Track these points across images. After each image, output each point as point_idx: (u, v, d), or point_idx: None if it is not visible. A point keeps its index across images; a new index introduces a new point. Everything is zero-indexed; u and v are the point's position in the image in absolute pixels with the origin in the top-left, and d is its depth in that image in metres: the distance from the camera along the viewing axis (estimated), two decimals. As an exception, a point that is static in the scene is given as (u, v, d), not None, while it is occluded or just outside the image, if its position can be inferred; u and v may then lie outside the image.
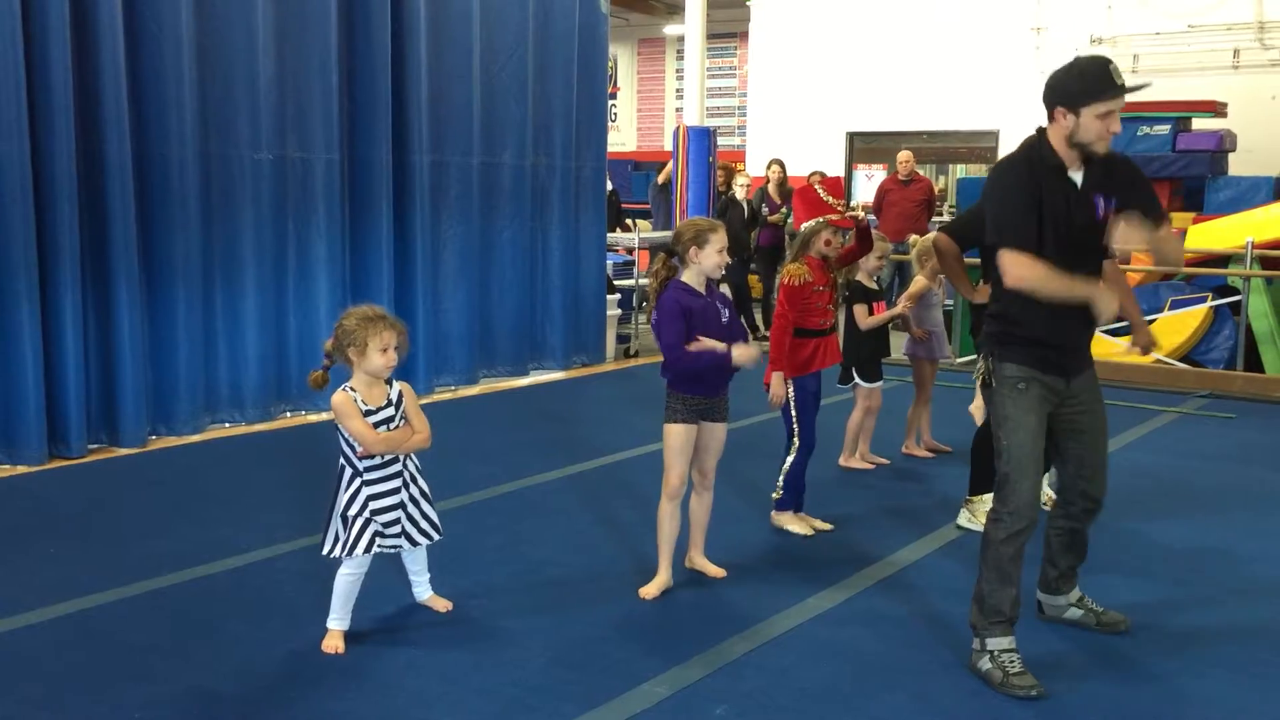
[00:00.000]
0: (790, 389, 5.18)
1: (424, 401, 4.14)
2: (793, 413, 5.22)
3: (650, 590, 4.46)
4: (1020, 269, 3.61)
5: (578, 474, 6.29)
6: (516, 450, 6.77)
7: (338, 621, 3.98)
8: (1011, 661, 3.71)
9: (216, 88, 7.06)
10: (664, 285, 4.41)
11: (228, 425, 7.30)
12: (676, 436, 4.43)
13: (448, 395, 8.44)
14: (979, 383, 4.01)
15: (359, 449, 3.90)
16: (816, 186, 5.20)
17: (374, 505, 3.94)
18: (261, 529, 5.19)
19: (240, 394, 7.38)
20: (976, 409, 5.76)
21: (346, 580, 3.98)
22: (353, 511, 3.92)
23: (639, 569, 4.69)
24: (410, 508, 4.04)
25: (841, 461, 6.45)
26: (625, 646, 4.02)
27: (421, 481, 4.10)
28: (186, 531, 5.18)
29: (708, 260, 4.35)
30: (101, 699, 3.56)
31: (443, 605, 4.28)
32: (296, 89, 7.50)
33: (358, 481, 3.93)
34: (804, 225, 5.23)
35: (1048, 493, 5.22)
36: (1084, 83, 3.62)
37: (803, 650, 4.00)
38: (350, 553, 3.92)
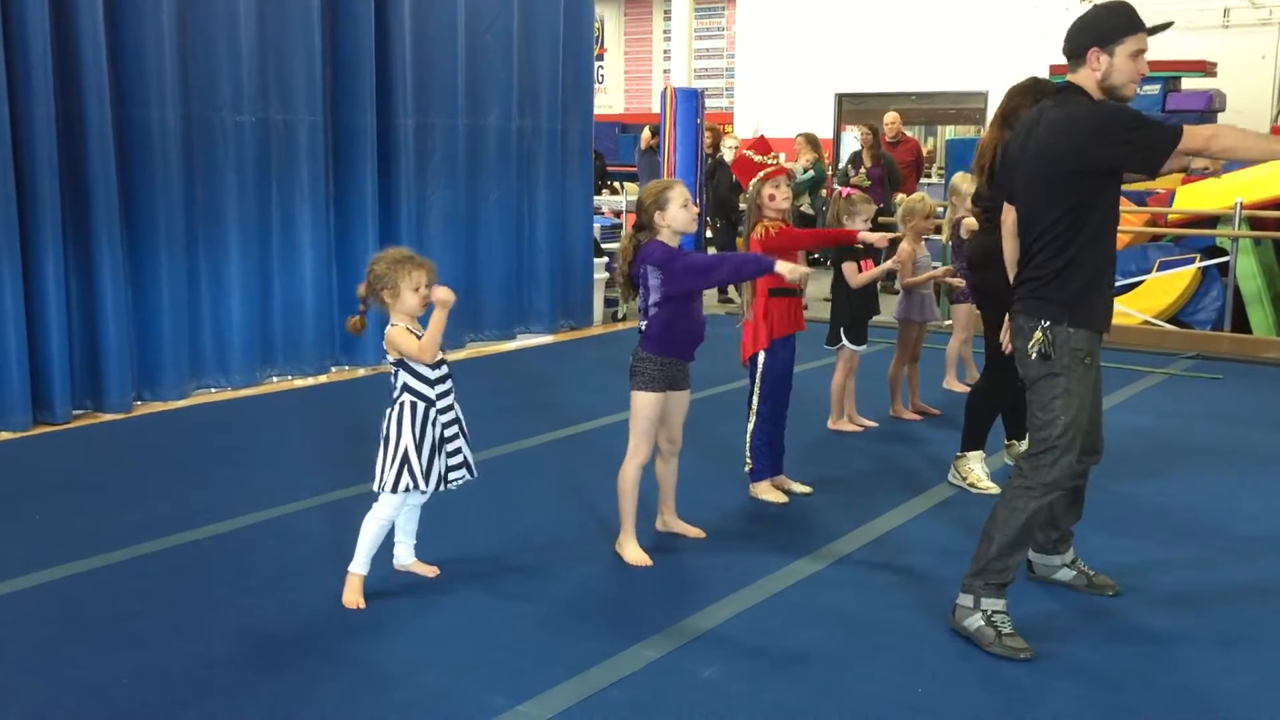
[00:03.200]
0: (761, 356, 5.14)
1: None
2: (757, 378, 5.17)
3: (643, 557, 4.42)
4: (1221, 133, 3.55)
5: (565, 438, 6.27)
6: (503, 414, 6.74)
7: (361, 565, 4.01)
8: (1004, 622, 3.70)
9: (197, 49, 6.96)
10: (637, 254, 4.35)
11: (213, 390, 7.26)
12: (649, 405, 4.37)
13: (435, 359, 8.40)
14: (1034, 353, 3.65)
15: (427, 358, 3.95)
16: (746, 151, 5.19)
17: (448, 432, 4.03)
18: (248, 494, 5.17)
19: (225, 359, 7.34)
20: None
21: (378, 524, 4.02)
22: (427, 445, 3.96)
23: (627, 532, 4.68)
24: (464, 440, 4.14)
25: (830, 424, 6.44)
26: (613, 610, 4.02)
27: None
28: (173, 497, 5.15)
29: (676, 219, 4.31)
30: (89, 665, 3.54)
31: (428, 570, 4.27)
32: (278, 50, 7.39)
33: (433, 412, 3.99)
34: (748, 192, 5.22)
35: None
36: (1117, 19, 3.61)
37: (791, 613, 4.00)
38: (425, 483, 3.96)
